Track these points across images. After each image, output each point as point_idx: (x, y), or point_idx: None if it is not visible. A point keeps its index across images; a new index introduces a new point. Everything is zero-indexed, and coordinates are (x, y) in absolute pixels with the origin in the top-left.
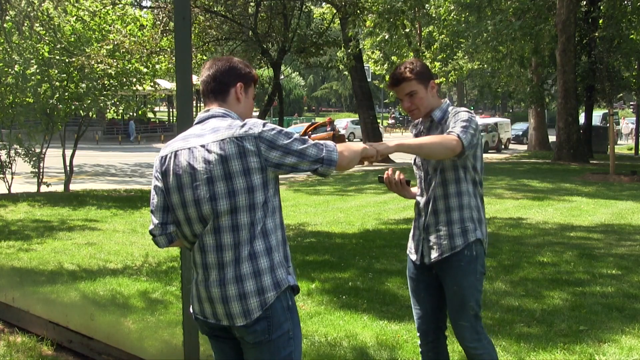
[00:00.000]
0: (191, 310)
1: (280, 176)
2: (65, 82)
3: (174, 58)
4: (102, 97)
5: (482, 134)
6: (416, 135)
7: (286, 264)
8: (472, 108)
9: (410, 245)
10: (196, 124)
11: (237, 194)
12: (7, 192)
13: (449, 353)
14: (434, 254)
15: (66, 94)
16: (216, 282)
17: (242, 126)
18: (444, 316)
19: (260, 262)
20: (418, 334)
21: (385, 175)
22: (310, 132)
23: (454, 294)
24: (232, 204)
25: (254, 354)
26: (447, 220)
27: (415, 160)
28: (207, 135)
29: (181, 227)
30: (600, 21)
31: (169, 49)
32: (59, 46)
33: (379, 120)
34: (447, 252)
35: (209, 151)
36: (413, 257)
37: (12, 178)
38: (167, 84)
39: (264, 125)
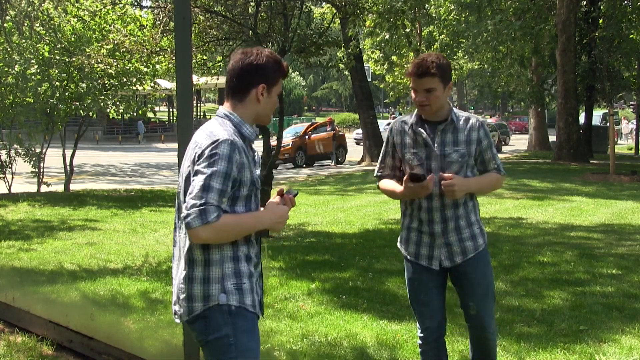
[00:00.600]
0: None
1: (278, 176)
2: (66, 81)
3: (174, 58)
4: (102, 97)
5: None
6: (414, 143)
7: (235, 280)
8: (472, 108)
9: (415, 251)
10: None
11: (180, 196)
12: (7, 192)
13: (449, 353)
14: (458, 258)
15: (66, 93)
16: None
17: (209, 134)
18: (446, 316)
19: (195, 271)
20: (422, 335)
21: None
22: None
23: (479, 286)
24: (178, 203)
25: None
26: (468, 223)
27: (420, 162)
28: (196, 133)
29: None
30: (601, 21)
31: (169, 49)
32: (59, 46)
33: (379, 120)
34: (472, 252)
35: (189, 148)
36: (424, 262)
37: (13, 178)
38: (167, 84)
39: (217, 145)
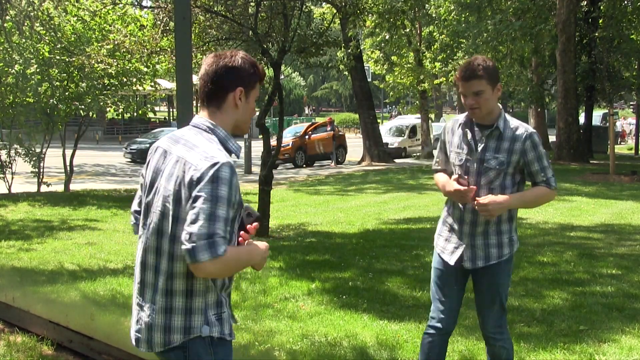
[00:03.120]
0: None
1: (278, 176)
2: (66, 81)
3: (174, 58)
4: (102, 97)
5: None
6: (466, 145)
7: (216, 310)
8: None
9: (444, 245)
10: (189, 125)
11: (165, 217)
12: (7, 192)
13: (449, 353)
14: (480, 262)
15: (66, 93)
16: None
17: (201, 154)
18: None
19: (175, 301)
20: (434, 325)
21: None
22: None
23: (490, 294)
24: (160, 225)
25: None
26: (497, 230)
27: (460, 163)
28: (178, 146)
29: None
30: (601, 21)
31: (169, 49)
32: (59, 46)
33: (379, 120)
34: (494, 260)
35: (167, 163)
36: (447, 257)
37: (13, 178)
38: (168, 84)
39: (218, 169)
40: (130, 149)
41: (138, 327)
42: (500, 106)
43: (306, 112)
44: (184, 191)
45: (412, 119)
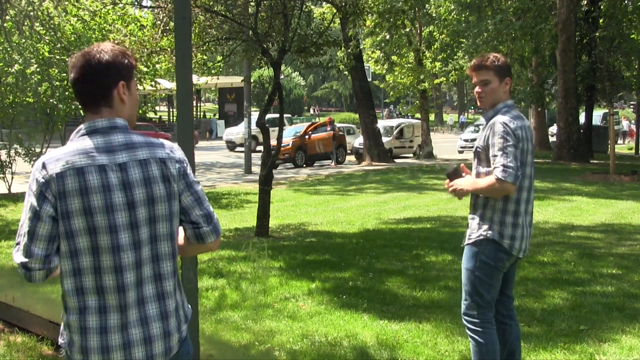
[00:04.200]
0: None
1: (278, 176)
2: (66, 81)
3: (174, 58)
4: None
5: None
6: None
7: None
8: (472, 108)
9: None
10: (88, 134)
11: (159, 221)
12: (7, 191)
13: (449, 352)
14: (464, 240)
15: (66, 93)
16: (137, 321)
17: (161, 146)
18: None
19: (168, 304)
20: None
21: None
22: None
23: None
24: (153, 232)
25: None
26: (475, 214)
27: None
28: (120, 153)
29: (79, 258)
30: (601, 21)
31: (169, 49)
32: (59, 46)
33: (379, 120)
34: (465, 242)
35: (128, 172)
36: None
37: (12, 178)
38: (168, 84)
39: (179, 150)
40: None
41: (142, 347)
42: (509, 102)
43: (311, 112)
44: (175, 184)
45: (402, 119)
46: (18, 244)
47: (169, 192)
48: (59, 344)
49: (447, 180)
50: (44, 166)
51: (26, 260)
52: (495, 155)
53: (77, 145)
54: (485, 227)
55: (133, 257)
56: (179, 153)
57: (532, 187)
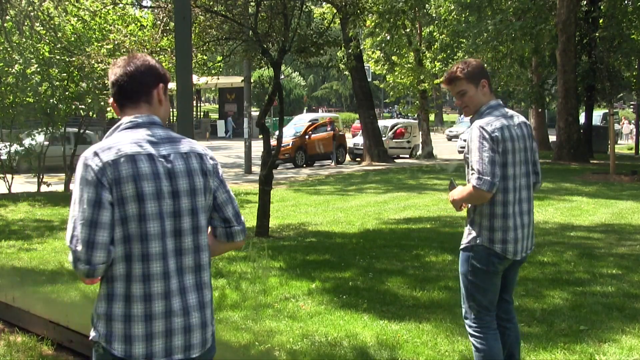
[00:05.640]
0: (121, 353)
1: (278, 176)
2: (66, 81)
3: (174, 58)
4: (103, 97)
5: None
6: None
7: None
8: None
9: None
10: (131, 127)
11: (199, 212)
12: (7, 192)
13: (449, 352)
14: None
15: (66, 93)
16: (179, 310)
17: (196, 143)
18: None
19: (207, 295)
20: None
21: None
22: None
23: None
24: (195, 223)
25: None
26: (468, 219)
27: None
28: (164, 145)
29: (130, 244)
30: (601, 21)
31: (169, 49)
32: (59, 46)
33: (379, 121)
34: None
35: (172, 163)
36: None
37: (13, 178)
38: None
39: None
40: None
41: (181, 336)
42: (493, 102)
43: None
44: (211, 179)
45: (401, 119)
46: (73, 239)
47: (205, 186)
48: (91, 338)
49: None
50: (96, 154)
51: (89, 254)
52: (472, 161)
53: (124, 135)
54: (474, 233)
55: (174, 246)
56: (210, 151)
57: (521, 187)
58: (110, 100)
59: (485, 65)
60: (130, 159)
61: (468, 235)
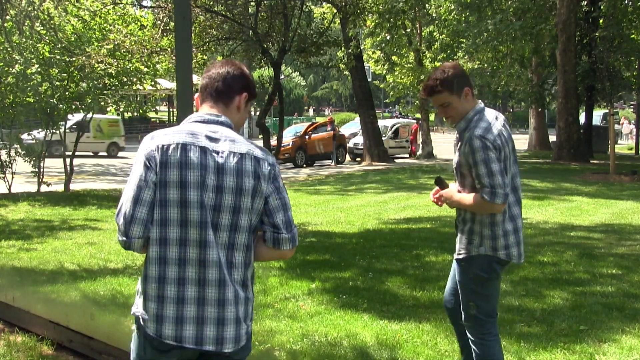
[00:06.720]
0: (153, 331)
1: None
2: (66, 81)
3: (174, 58)
4: (103, 97)
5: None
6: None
7: None
8: None
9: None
10: (198, 121)
11: (241, 213)
12: (7, 191)
13: (449, 352)
14: (455, 254)
15: (67, 93)
16: (214, 300)
17: (259, 148)
18: None
19: (248, 292)
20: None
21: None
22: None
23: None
24: (235, 221)
25: None
26: (464, 228)
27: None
28: (223, 142)
29: (167, 228)
30: (601, 21)
31: (169, 49)
32: (59, 46)
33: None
34: (456, 254)
35: (224, 160)
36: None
37: (13, 178)
38: (168, 84)
39: (272, 156)
40: None
41: (214, 327)
42: (478, 106)
43: (326, 112)
44: (264, 184)
45: (397, 119)
46: (119, 213)
47: (256, 188)
48: (132, 313)
49: (435, 189)
50: (152, 137)
51: (127, 228)
52: (480, 175)
53: (186, 126)
54: (475, 242)
55: (213, 238)
56: (272, 158)
57: (517, 188)
58: (196, 95)
59: (485, 65)
60: (182, 147)
61: (467, 244)
